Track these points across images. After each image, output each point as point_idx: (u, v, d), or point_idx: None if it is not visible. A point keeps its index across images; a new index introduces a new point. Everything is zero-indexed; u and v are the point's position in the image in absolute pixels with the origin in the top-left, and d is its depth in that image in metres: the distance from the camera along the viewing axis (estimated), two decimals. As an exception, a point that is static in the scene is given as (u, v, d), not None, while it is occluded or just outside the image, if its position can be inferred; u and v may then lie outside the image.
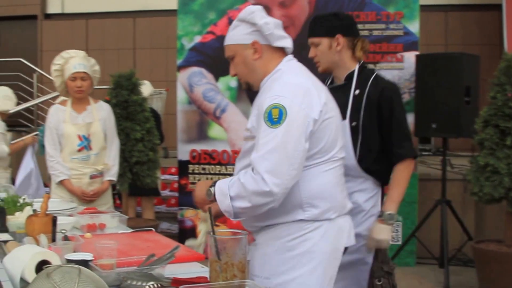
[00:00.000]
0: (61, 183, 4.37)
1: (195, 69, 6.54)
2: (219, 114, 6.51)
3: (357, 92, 2.94)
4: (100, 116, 4.52)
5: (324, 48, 2.97)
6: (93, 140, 4.44)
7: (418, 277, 6.01)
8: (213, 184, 2.41)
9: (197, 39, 6.54)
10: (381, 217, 2.94)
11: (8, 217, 2.80)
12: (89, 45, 10.39)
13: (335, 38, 2.96)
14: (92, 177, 4.44)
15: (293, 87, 2.39)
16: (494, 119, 5.23)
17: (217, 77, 6.53)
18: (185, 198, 6.56)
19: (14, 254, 2.14)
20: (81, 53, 4.47)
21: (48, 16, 11.34)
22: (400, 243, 6.38)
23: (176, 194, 7.61)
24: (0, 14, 11.70)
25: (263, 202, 2.30)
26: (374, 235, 2.94)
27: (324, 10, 6.42)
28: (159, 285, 1.81)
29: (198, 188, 2.52)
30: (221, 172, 6.49)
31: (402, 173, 2.96)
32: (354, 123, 2.93)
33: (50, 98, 8.86)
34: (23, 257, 2.00)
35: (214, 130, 6.55)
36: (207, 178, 6.46)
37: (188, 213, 6.56)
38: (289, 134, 2.30)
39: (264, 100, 2.37)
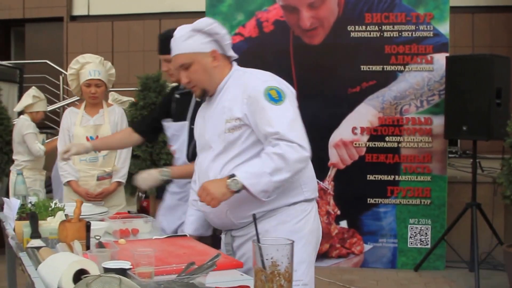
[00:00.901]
0: (68, 183, 4.39)
1: (222, 70, 6.49)
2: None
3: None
4: (111, 119, 4.55)
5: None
6: None
7: (448, 281, 5.92)
8: (232, 175, 2.45)
9: (225, 41, 6.49)
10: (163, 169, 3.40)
11: (40, 222, 2.77)
12: (114, 47, 10.41)
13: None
14: (99, 178, 4.47)
15: (267, 74, 2.64)
16: (525, 122, 5.15)
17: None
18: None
19: (49, 262, 2.10)
20: (97, 58, 4.49)
21: (74, 18, 11.38)
22: (429, 246, 6.30)
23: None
24: (27, 16, 11.79)
25: (301, 167, 2.51)
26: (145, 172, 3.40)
27: (353, 11, 6.36)
28: (200, 295, 1.76)
29: (213, 185, 2.48)
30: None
31: None
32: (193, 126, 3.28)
33: (76, 100, 8.88)
34: (60, 266, 1.96)
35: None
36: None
37: (215, 216, 6.48)
38: (293, 106, 2.56)
39: (251, 88, 2.54)
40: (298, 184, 2.64)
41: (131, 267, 2.01)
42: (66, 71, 10.35)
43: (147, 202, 7.56)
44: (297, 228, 2.62)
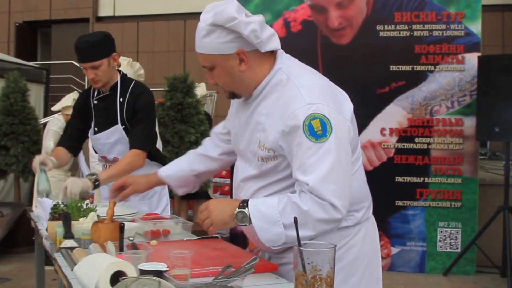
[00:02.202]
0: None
1: (250, 70, 6.45)
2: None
3: (121, 99, 3.52)
4: None
5: (105, 67, 3.43)
6: None
7: (479, 287, 5.82)
8: (243, 206, 2.06)
9: (252, 40, 6.45)
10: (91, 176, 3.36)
11: (73, 222, 2.74)
12: (139, 48, 10.44)
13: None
14: None
15: (318, 90, 2.04)
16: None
17: (271, 79, 6.43)
18: (238, 202, 6.45)
19: (86, 263, 2.07)
20: (125, 60, 4.49)
21: (100, 19, 11.44)
22: (459, 250, 6.20)
23: (227, 197, 7.53)
24: (53, 17, 11.88)
25: (328, 229, 2.02)
26: (69, 181, 3.30)
27: (382, 10, 6.28)
28: (239, 299, 1.71)
29: (218, 209, 2.14)
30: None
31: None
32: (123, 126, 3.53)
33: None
34: (97, 267, 1.93)
35: (268, 133, 6.44)
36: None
37: (241, 217, 6.45)
38: (339, 147, 1.98)
39: (290, 113, 1.99)
40: None
41: (168, 269, 1.97)
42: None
43: (171, 203, 7.54)
44: (345, 256, 2.18)
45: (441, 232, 6.26)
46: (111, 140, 3.55)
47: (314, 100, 1.98)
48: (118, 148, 3.55)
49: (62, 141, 3.78)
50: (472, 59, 6.14)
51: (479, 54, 6.14)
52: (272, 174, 2.13)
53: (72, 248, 2.48)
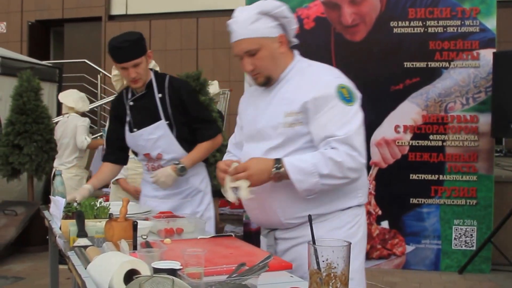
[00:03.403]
0: (116, 182, 4.40)
1: (263, 68, 6.43)
2: (286, 114, 6.39)
3: (160, 95, 3.54)
4: None
5: (144, 65, 3.47)
6: None
7: (494, 285, 5.77)
8: (278, 164, 2.35)
9: (265, 38, 6.43)
10: (176, 164, 3.49)
11: (86, 221, 2.73)
12: (152, 46, 10.45)
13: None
14: None
15: (335, 69, 2.50)
16: None
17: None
18: (251, 200, 6.43)
19: (99, 262, 2.07)
20: None
21: (112, 18, 11.47)
22: (474, 248, 6.15)
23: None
24: (66, 16, 11.93)
25: (355, 177, 2.39)
26: (159, 173, 3.49)
27: (396, 7, 6.24)
28: (254, 297, 1.69)
29: (257, 169, 2.36)
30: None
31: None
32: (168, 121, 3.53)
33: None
34: (111, 266, 1.92)
35: (281, 131, 6.42)
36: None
37: (254, 215, 6.43)
38: (360, 110, 2.43)
39: (322, 83, 2.39)
40: (354, 189, 2.51)
41: (181, 267, 1.96)
42: (104, 70, 10.49)
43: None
44: (350, 234, 2.47)
45: (456, 230, 6.20)
46: (154, 136, 3.53)
47: (336, 75, 2.46)
48: (161, 144, 3.54)
49: (107, 157, 3.77)
50: (487, 55, 6.08)
51: (494, 50, 6.07)
52: (294, 140, 2.43)
53: (85, 247, 2.48)
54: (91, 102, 9.73)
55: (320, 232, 2.32)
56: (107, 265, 1.96)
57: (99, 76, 10.43)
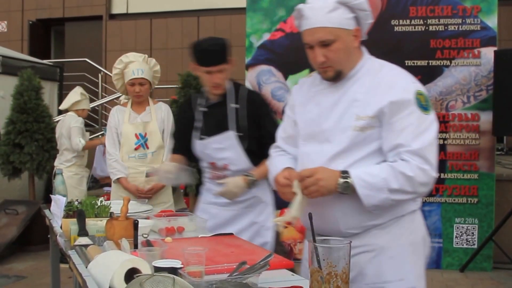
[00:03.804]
0: (117, 181, 4.40)
1: (263, 67, 6.44)
2: (288, 113, 6.38)
3: (236, 106, 3.37)
4: (158, 116, 4.56)
5: (228, 71, 3.33)
6: (150, 139, 4.48)
7: (496, 283, 5.76)
8: (346, 176, 2.20)
9: (266, 36, 6.44)
10: (247, 176, 3.32)
11: (87, 220, 2.73)
12: (153, 45, 10.45)
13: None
14: (148, 175, 4.44)
15: (408, 73, 2.35)
16: None
17: (286, 75, 6.42)
18: (252, 198, 6.45)
19: (100, 260, 2.07)
20: (140, 57, 4.49)
21: (113, 17, 11.47)
22: (476, 246, 6.14)
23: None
24: (67, 15, 11.93)
25: (425, 191, 2.26)
26: (230, 183, 3.31)
27: (397, 5, 6.23)
28: (255, 295, 1.69)
29: (326, 177, 2.21)
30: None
31: None
32: (239, 133, 3.35)
33: (114, 98, 8.93)
34: (111, 265, 1.92)
35: (282, 130, 6.42)
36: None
37: (255, 214, 6.44)
38: (436, 120, 2.30)
39: (399, 88, 2.24)
40: None
41: (182, 266, 1.96)
42: (105, 69, 10.49)
43: (186, 200, 7.53)
44: (410, 241, 2.36)
45: (458, 228, 6.20)
46: (222, 146, 3.35)
47: (414, 80, 2.32)
48: (229, 155, 3.36)
49: (178, 149, 3.66)
50: (488, 53, 6.07)
51: (496, 48, 6.07)
52: (363, 146, 2.27)
53: (86, 246, 2.48)
54: (92, 101, 9.74)
55: (381, 242, 2.32)
56: (108, 264, 1.96)
57: (100, 75, 10.42)
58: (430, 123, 2.24)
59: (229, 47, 3.32)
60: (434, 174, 2.22)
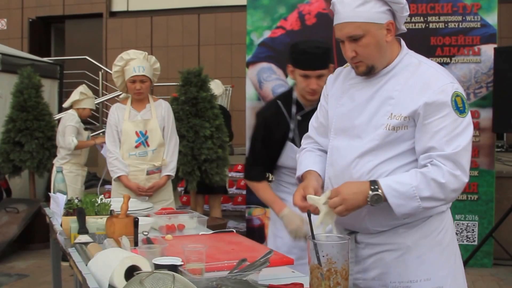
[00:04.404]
0: (118, 178, 4.42)
1: (264, 64, 6.44)
2: (288, 110, 6.39)
3: None
4: (158, 113, 4.57)
5: (326, 78, 2.69)
6: (150, 137, 4.49)
7: (496, 279, 5.77)
8: (375, 188, 2.15)
9: (267, 34, 6.44)
10: None
11: (87, 217, 2.74)
12: (153, 42, 10.45)
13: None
14: (149, 172, 4.49)
15: (447, 72, 2.29)
16: None
17: (286, 73, 6.40)
18: (253, 196, 6.42)
19: (100, 258, 2.07)
20: (141, 54, 4.49)
21: (114, 14, 11.47)
22: (476, 243, 6.15)
23: (243, 192, 7.51)
24: (67, 13, 11.92)
25: (456, 196, 2.23)
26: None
27: (396, 2, 6.22)
28: (255, 293, 1.70)
29: (352, 194, 2.17)
30: (289, 169, 6.36)
31: None
32: None
33: (115, 96, 8.94)
34: (111, 262, 1.92)
35: (283, 127, 6.43)
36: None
37: (256, 212, 6.45)
38: (471, 123, 2.23)
39: (436, 88, 2.17)
40: None
41: (182, 263, 1.96)
42: (106, 67, 10.48)
43: (187, 198, 7.55)
44: (438, 241, 2.33)
45: (458, 225, 6.20)
46: None
47: (453, 80, 2.23)
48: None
49: (265, 168, 3.33)
50: (488, 50, 6.06)
51: (496, 45, 6.06)
52: (394, 145, 2.23)
53: (86, 244, 2.48)
54: (93, 99, 9.75)
55: (408, 242, 2.30)
56: (108, 262, 1.97)
57: (100, 73, 10.43)
58: (465, 127, 2.17)
59: (331, 53, 3.05)
60: (466, 179, 2.17)
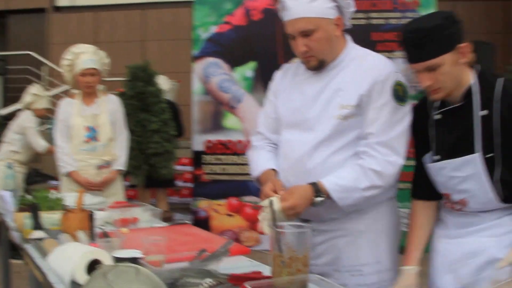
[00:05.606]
0: (68, 174, 4.40)
1: (211, 59, 6.47)
2: (234, 104, 6.46)
3: (484, 112, 2.18)
4: (108, 108, 4.57)
5: (448, 67, 2.12)
6: (100, 131, 4.49)
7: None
8: (318, 194, 2.22)
9: (213, 29, 6.48)
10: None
11: (41, 213, 2.74)
12: (98, 38, 10.34)
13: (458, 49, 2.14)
14: (99, 167, 4.49)
15: (392, 64, 2.37)
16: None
17: (233, 68, 6.47)
18: (200, 188, 6.53)
19: (59, 253, 2.09)
20: (91, 48, 4.49)
21: (57, 9, 11.27)
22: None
23: (189, 184, 7.55)
24: (10, 7, 11.65)
25: (395, 180, 2.33)
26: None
27: None
28: (216, 281, 1.76)
29: (301, 202, 2.20)
30: (236, 162, 6.44)
31: None
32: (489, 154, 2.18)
33: (60, 92, 8.83)
34: (72, 257, 1.94)
35: (229, 121, 6.49)
36: (222, 169, 6.43)
37: (203, 204, 6.51)
38: (410, 111, 2.33)
39: (380, 75, 2.28)
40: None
41: (143, 256, 2.00)
42: (50, 62, 10.29)
43: (134, 192, 7.52)
44: (387, 225, 2.43)
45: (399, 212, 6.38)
46: (462, 174, 2.21)
47: (395, 69, 2.33)
48: (471, 186, 2.20)
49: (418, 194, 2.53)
50: (427, 46, 6.24)
51: (434, 41, 6.25)
52: (344, 134, 2.30)
53: (42, 239, 2.49)
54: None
55: (359, 225, 2.37)
56: (67, 257, 1.97)
57: (44, 68, 10.25)
58: (403, 115, 2.29)
59: (447, 29, 2.11)
60: (402, 162, 2.27)
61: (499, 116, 2.13)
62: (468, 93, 2.20)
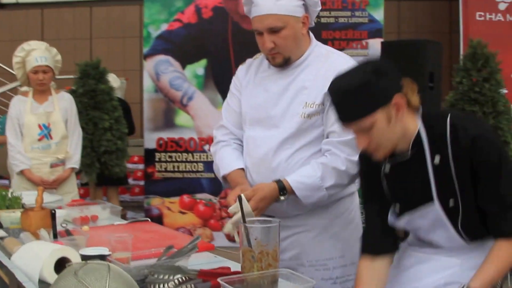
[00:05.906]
0: (21, 172, 4.36)
1: (161, 57, 6.48)
2: (186, 101, 6.48)
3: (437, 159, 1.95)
4: (61, 105, 4.53)
5: (381, 125, 1.86)
6: (53, 129, 4.45)
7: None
8: (283, 192, 2.26)
9: (164, 27, 6.48)
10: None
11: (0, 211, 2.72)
12: (44, 35, 10.14)
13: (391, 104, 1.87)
14: (52, 165, 4.45)
15: (354, 61, 2.30)
16: (460, 103, 5.40)
17: (184, 65, 6.49)
18: (152, 186, 6.53)
19: (25, 252, 2.07)
20: (43, 45, 4.44)
21: (3, 6, 10.99)
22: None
23: (140, 182, 7.52)
24: (-48, 4, 11.30)
25: (356, 178, 2.33)
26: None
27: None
28: (186, 278, 1.78)
29: (266, 199, 2.24)
30: (188, 159, 6.46)
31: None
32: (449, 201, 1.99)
33: (8, 90, 8.66)
34: (39, 255, 1.93)
35: (181, 118, 6.51)
36: (174, 167, 6.44)
37: (155, 202, 6.52)
38: None
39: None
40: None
41: (110, 253, 2.01)
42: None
43: (84, 190, 7.44)
44: (349, 219, 2.48)
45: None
46: (427, 221, 2.03)
47: None
48: (439, 233, 2.04)
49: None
50: (375, 44, 6.38)
51: (382, 40, 6.40)
52: (308, 132, 2.33)
53: (2, 238, 2.47)
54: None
55: (323, 221, 2.42)
56: (34, 255, 1.96)
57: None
58: None
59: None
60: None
61: (453, 161, 1.91)
62: (416, 142, 1.95)
